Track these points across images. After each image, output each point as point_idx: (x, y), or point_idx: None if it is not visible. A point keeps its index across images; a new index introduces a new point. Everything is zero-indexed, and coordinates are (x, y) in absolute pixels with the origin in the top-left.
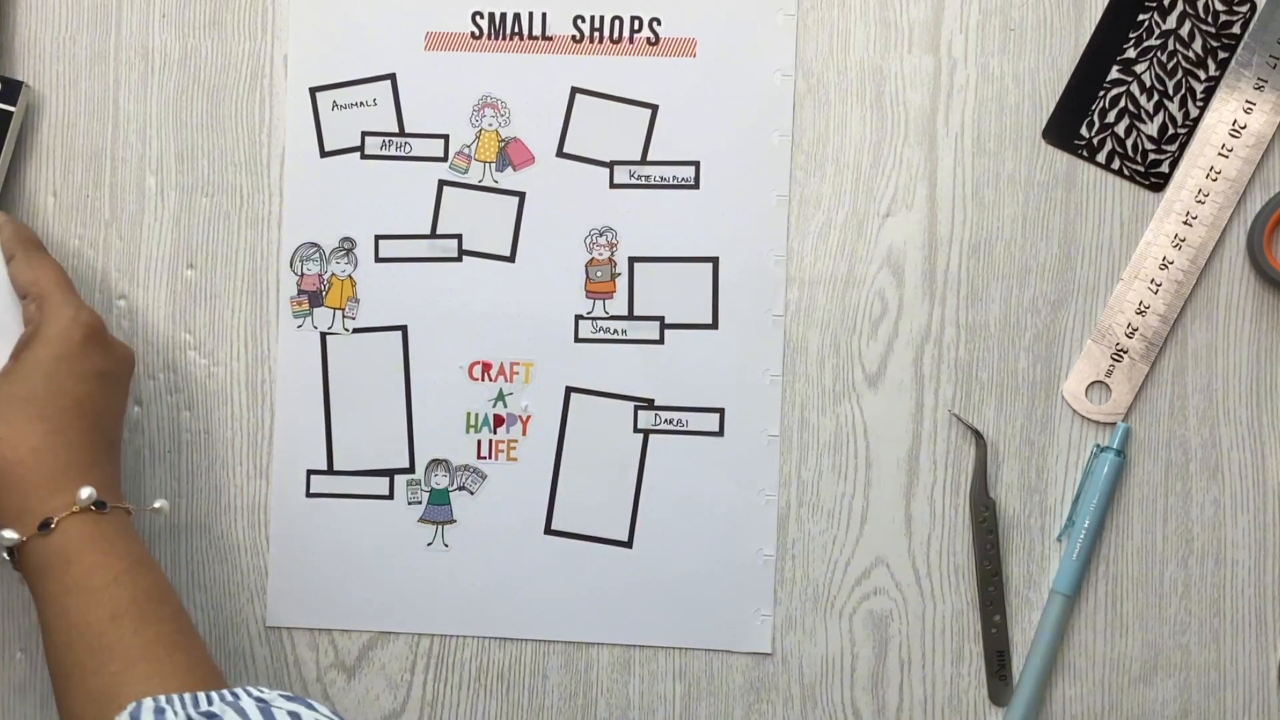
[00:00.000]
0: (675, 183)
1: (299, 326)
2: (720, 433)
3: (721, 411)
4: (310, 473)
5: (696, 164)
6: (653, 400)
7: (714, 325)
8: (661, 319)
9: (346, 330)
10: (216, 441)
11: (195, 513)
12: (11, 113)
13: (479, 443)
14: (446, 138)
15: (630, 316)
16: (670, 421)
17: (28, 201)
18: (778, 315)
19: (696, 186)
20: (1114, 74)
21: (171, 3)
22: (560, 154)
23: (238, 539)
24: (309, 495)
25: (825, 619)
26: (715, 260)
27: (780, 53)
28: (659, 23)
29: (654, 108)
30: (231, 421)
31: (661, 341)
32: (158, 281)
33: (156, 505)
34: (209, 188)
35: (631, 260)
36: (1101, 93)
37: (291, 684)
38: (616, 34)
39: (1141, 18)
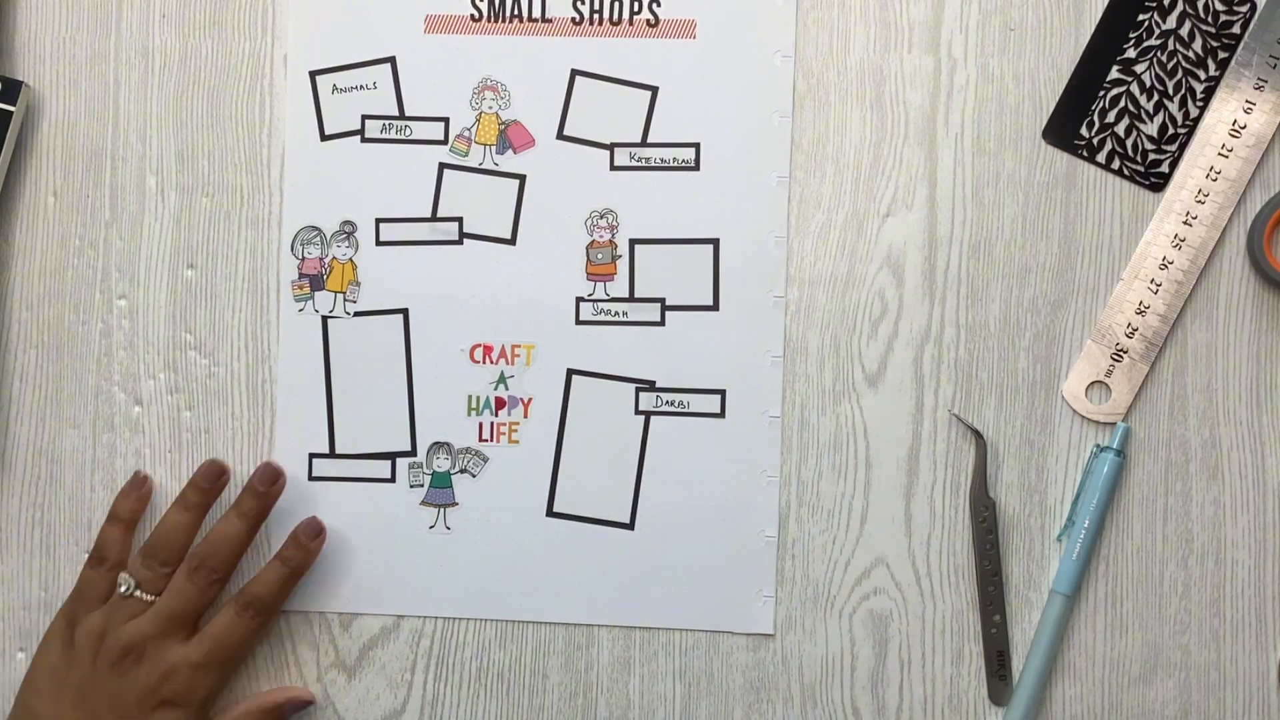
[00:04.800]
0: (675, 164)
1: (300, 310)
2: (722, 414)
3: (723, 393)
4: (312, 456)
5: (697, 145)
6: (654, 382)
7: (715, 307)
8: (662, 301)
9: (348, 314)
10: (216, 441)
11: None
12: (11, 113)
13: (480, 425)
14: (447, 121)
15: (631, 298)
16: (671, 403)
17: (28, 201)
18: (779, 296)
19: (697, 168)
20: (1114, 74)
21: (171, 3)
22: (560, 136)
23: None
24: (311, 478)
25: (825, 619)
26: (716, 242)
27: (780, 34)
28: (658, 4)
29: (654, 89)
30: (231, 421)
31: (662, 323)
32: (158, 281)
33: None
34: (209, 188)
35: (632, 242)
36: (1101, 93)
37: (291, 684)
38: (616, 15)
39: (1141, 18)
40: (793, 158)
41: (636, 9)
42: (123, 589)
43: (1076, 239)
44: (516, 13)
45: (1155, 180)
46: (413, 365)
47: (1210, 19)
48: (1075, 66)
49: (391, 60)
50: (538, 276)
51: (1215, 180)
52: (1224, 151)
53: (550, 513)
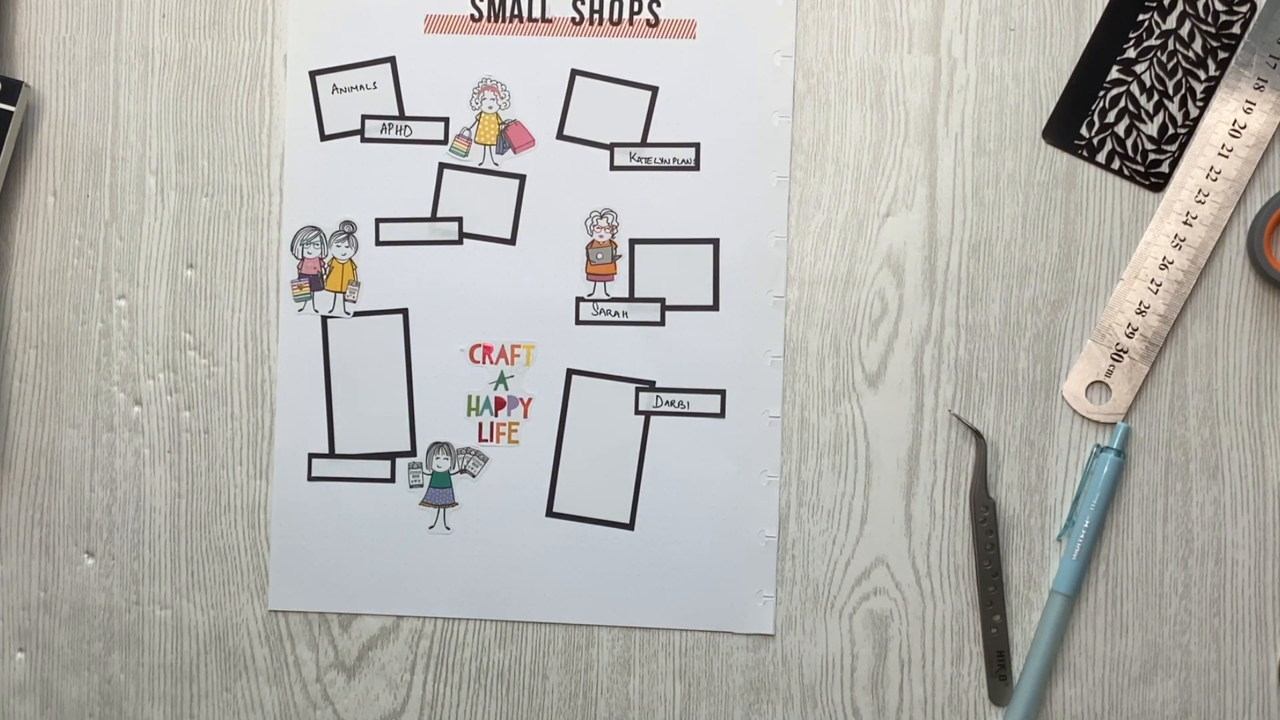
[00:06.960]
0: (675, 164)
1: (300, 310)
2: (721, 414)
3: (723, 393)
4: (312, 456)
5: (697, 145)
6: (654, 382)
7: (715, 307)
8: (662, 301)
9: (347, 314)
10: (216, 441)
11: (195, 513)
12: (11, 113)
13: (480, 425)
14: (446, 120)
15: (631, 298)
16: (671, 403)
17: (28, 201)
18: (778, 296)
19: (697, 168)
20: (1114, 74)
21: (171, 3)
22: (560, 136)
23: (238, 539)
24: (311, 479)
25: (825, 619)
26: (716, 242)
27: (780, 33)
28: (658, 4)
29: (654, 89)
30: (231, 421)
31: (662, 323)
32: (158, 281)
33: None
34: (209, 188)
35: (632, 242)
36: (1101, 93)
37: (291, 684)
38: (616, 15)
39: (1141, 18)
40: (793, 158)
41: (636, 9)
42: None
43: (1076, 239)
44: (516, 13)
45: (1155, 180)
46: (412, 365)
47: (1210, 19)
48: (1075, 66)
49: (391, 60)
50: (538, 276)
51: (1215, 180)
52: (1224, 151)
53: (550, 513)
